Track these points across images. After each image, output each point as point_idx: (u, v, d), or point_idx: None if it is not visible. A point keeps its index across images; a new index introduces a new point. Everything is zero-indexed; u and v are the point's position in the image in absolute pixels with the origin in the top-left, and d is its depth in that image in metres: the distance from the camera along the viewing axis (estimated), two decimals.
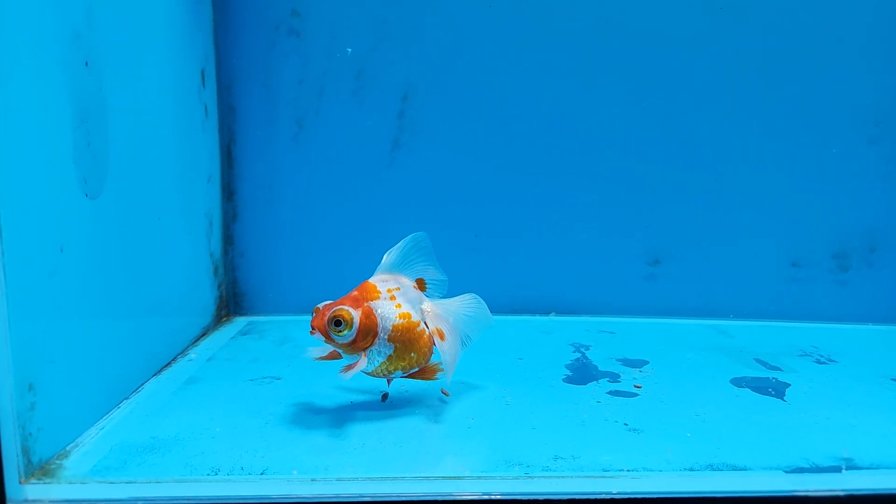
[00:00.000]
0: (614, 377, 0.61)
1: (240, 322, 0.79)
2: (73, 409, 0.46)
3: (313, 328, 0.48)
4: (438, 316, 0.52)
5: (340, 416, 0.51)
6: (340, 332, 0.48)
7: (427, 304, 0.52)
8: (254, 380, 0.59)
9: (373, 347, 0.49)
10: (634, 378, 0.60)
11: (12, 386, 0.39)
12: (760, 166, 0.80)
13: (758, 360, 0.66)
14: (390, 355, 0.50)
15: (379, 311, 0.49)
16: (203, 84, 0.74)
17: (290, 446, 0.46)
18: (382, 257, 0.53)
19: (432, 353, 0.52)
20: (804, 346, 0.71)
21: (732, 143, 0.80)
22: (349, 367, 0.49)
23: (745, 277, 0.82)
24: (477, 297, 0.54)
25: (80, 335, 0.47)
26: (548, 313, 0.84)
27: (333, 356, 0.51)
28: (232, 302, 0.82)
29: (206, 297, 0.75)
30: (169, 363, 0.63)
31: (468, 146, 0.81)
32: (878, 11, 0.77)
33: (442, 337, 0.51)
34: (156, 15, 0.61)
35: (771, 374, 0.62)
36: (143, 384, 0.57)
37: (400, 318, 0.50)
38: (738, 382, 0.60)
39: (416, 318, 0.50)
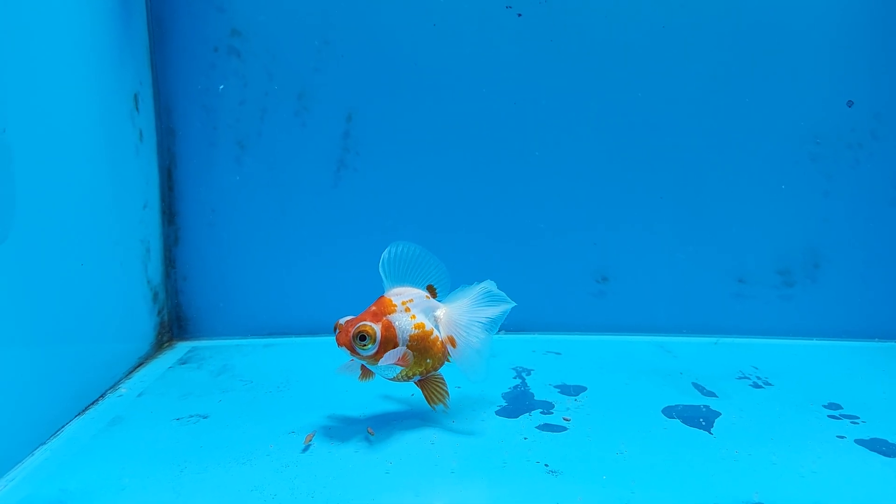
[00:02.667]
0: (548, 408, 0.60)
1: (181, 348, 0.78)
2: None
3: (340, 343, 0.52)
4: (451, 322, 0.55)
5: (258, 461, 0.50)
6: (365, 345, 0.52)
7: (441, 311, 0.56)
8: (180, 419, 0.58)
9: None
10: (567, 409, 0.60)
11: None
12: (705, 184, 0.79)
13: (695, 385, 0.66)
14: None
15: (396, 323, 0.53)
16: (137, 108, 0.72)
17: (198, 499, 0.45)
18: (380, 270, 0.55)
19: (447, 356, 0.56)
20: (744, 367, 0.71)
21: (677, 162, 0.79)
22: (364, 373, 0.55)
23: (692, 294, 0.81)
24: (490, 284, 0.56)
25: None
26: (498, 332, 0.83)
27: (365, 373, 0.55)
28: (175, 326, 0.82)
29: (143, 324, 0.74)
30: (97, 400, 0.62)
31: (414, 166, 0.80)
32: (819, 29, 0.77)
33: (454, 344, 0.55)
34: (72, 44, 0.59)
35: (705, 402, 0.62)
36: (64, 425, 0.56)
37: (415, 329, 0.54)
38: (669, 412, 0.59)
39: (429, 326, 0.55)
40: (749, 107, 0.78)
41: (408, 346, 0.53)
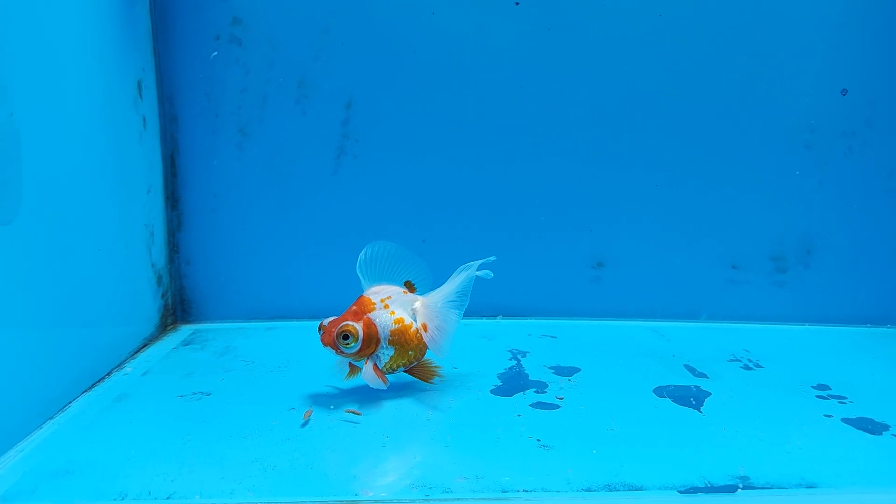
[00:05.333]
0: (541, 387, 0.62)
1: (185, 330, 0.80)
2: None
3: (325, 344, 0.56)
4: (427, 309, 0.59)
5: (259, 436, 0.51)
6: (348, 344, 0.55)
7: (418, 303, 0.59)
8: (183, 396, 0.60)
9: (377, 352, 0.57)
10: (561, 388, 0.61)
11: None
12: (700, 171, 0.81)
13: (687, 367, 0.67)
14: (392, 356, 0.58)
15: (377, 320, 0.57)
16: (140, 95, 0.74)
17: (202, 469, 0.46)
18: (357, 273, 0.58)
19: (426, 346, 0.59)
20: (736, 350, 0.72)
21: (672, 149, 0.80)
22: (351, 370, 0.59)
23: (685, 279, 0.83)
24: (467, 267, 0.58)
25: (3, 357, 0.47)
26: (495, 316, 0.85)
27: (352, 371, 0.59)
28: (179, 309, 0.83)
29: (147, 307, 0.75)
30: (103, 377, 0.64)
31: (413, 153, 0.81)
32: (815, 18, 0.78)
33: (425, 329, 0.58)
34: (77, 33, 0.61)
35: (695, 382, 0.63)
36: (71, 401, 0.58)
37: (395, 324, 0.57)
38: (660, 392, 0.61)
39: (408, 320, 0.58)
40: (745, 95, 0.79)
41: (389, 342, 0.57)
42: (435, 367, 0.61)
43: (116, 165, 0.68)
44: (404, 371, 0.60)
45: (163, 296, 0.79)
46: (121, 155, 0.69)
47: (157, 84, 0.78)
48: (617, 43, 0.79)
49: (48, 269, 0.54)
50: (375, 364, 0.57)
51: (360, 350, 0.56)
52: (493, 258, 0.59)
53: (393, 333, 0.57)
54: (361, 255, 0.58)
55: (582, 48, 0.79)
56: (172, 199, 0.81)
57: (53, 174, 0.55)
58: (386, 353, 0.57)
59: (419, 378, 0.61)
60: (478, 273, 0.58)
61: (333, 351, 0.56)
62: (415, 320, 0.59)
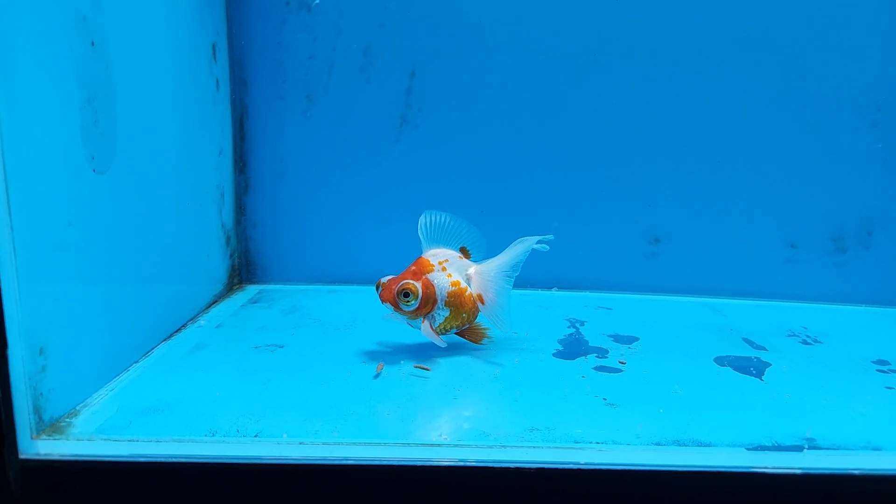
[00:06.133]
0: (602, 353, 0.63)
1: (251, 290, 0.83)
2: (84, 371, 0.49)
3: (384, 300, 0.58)
4: (480, 277, 0.60)
5: (335, 384, 0.54)
6: (408, 301, 0.57)
7: (472, 269, 0.61)
8: (258, 347, 0.62)
9: (432, 312, 0.59)
10: (622, 354, 0.63)
11: (24, 350, 0.42)
12: (762, 148, 0.81)
13: (745, 340, 0.68)
14: (447, 317, 0.60)
15: (435, 281, 0.59)
16: (214, 58, 0.76)
17: (285, 411, 0.49)
18: (419, 235, 0.61)
19: (478, 310, 0.61)
20: (794, 327, 0.73)
21: (734, 126, 0.80)
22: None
23: (743, 257, 0.83)
24: (524, 240, 0.60)
25: (91, 303, 0.50)
26: (550, 288, 0.86)
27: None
28: (244, 270, 0.86)
29: (217, 265, 0.78)
30: (179, 329, 0.66)
31: (474, 123, 0.83)
32: None
33: (482, 301, 0.60)
34: None
35: (755, 354, 0.64)
36: (153, 349, 0.61)
37: (452, 286, 0.59)
38: (721, 361, 0.61)
39: (464, 284, 0.60)
40: (810, 72, 0.78)
41: (445, 304, 0.59)
42: (484, 328, 0.63)
43: (194, 126, 0.70)
44: (455, 333, 0.62)
45: (231, 256, 0.81)
46: (197, 116, 0.71)
47: (229, 48, 0.80)
48: (681, 17, 0.79)
49: (136, 223, 0.57)
50: (430, 324, 0.59)
51: (417, 309, 0.58)
52: (551, 237, 0.60)
53: (450, 295, 0.59)
54: (422, 218, 0.60)
55: (646, 23, 0.79)
56: (241, 162, 0.84)
57: (140, 129, 0.58)
58: (441, 314, 0.59)
59: (470, 340, 0.63)
60: (535, 246, 0.60)
61: (391, 307, 0.58)
62: (469, 285, 0.60)
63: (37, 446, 0.43)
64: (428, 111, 0.83)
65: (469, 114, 0.82)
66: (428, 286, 0.58)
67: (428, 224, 0.61)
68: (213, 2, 0.75)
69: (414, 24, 0.81)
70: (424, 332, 0.59)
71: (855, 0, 0.77)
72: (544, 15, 0.80)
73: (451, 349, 0.62)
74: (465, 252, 0.62)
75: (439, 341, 0.59)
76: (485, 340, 0.63)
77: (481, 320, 0.63)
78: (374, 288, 0.59)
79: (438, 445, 0.44)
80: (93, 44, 0.49)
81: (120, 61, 0.53)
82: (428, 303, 0.58)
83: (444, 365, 0.59)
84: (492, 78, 0.81)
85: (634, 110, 0.81)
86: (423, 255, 0.61)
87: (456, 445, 0.44)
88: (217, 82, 0.77)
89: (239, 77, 0.82)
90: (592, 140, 0.82)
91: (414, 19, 0.81)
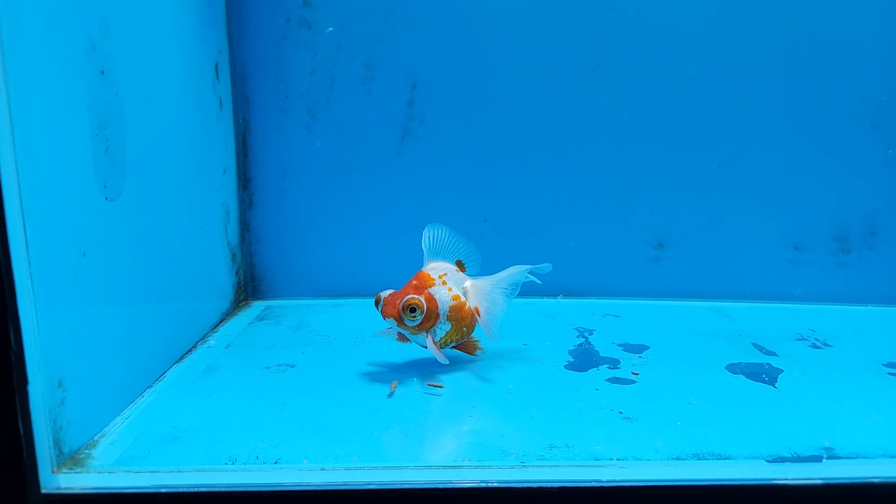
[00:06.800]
0: (614, 363, 0.63)
1: (257, 306, 0.82)
2: (100, 400, 0.49)
3: (387, 315, 0.57)
4: (476, 290, 0.61)
5: (349, 405, 0.54)
6: (414, 317, 0.57)
7: (468, 283, 0.61)
8: (269, 367, 0.62)
9: (434, 327, 0.58)
10: (633, 364, 0.63)
11: (43, 383, 0.42)
12: (764, 151, 0.81)
13: (755, 345, 0.68)
14: (448, 331, 0.59)
15: (437, 296, 0.58)
16: (217, 77, 0.76)
17: (302, 436, 0.49)
18: (422, 247, 0.61)
19: (476, 322, 0.61)
20: (802, 330, 0.73)
21: (736, 129, 0.81)
22: (400, 338, 0.60)
23: (748, 260, 0.83)
24: (515, 267, 0.61)
25: (105, 331, 0.50)
26: (556, 296, 0.86)
27: (401, 338, 0.60)
28: (250, 286, 0.86)
29: (224, 283, 0.78)
30: (189, 350, 0.66)
31: (476, 134, 0.83)
32: None
33: (478, 313, 0.60)
34: (169, 17, 0.63)
35: (766, 360, 0.64)
36: (165, 372, 0.60)
37: (453, 300, 0.59)
38: (733, 368, 0.62)
39: (463, 297, 0.60)
40: (811, 74, 0.79)
41: (447, 318, 0.58)
42: (477, 340, 0.63)
43: (199, 146, 0.70)
44: (452, 347, 0.61)
45: (237, 273, 0.81)
46: (202, 136, 0.71)
47: (231, 66, 0.80)
48: (681, 22, 0.79)
49: (146, 247, 0.57)
50: (432, 339, 0.59)
51: (421, 324, 0.57)
52: (548, 266, 0.61)
53: (451, 310, 0.59)
54: (426, 232, 0.61)
55: (646, 27, 0.80)
56: (244, 179, 0.84)
57: (149, 154, 0.58)
58: (443, 329, 0.59)
59: (465, 352, 0.63)
60: (529, 275, 0.61)
61: (394, 322, 0.57)
62: (466, 298, 0.61)
63: (58, 480, 0.43)
64: (430, 122, 0.83)
65: (471, 124, 0.83)
66: (431, 300, 0.58)
67: (431, 238, 0.61)
68: (215, 21, 0.75)
69: (414, 37, 0.81)
70: (429, 347, 0.58)
71: (855, 2, 0.77)
72: (544, 24, 0.80)
73: (461, 364, 0.62)
74: (460, 265, 0.62)
75: (442, 357, 0.58)
76: (478, 352, 0.63)
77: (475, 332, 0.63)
78: (374, 303, 0.59)
79: (459, 467, 0.44)
80: (102, 72, 0.49)
81: (128, 88, 0.53)
82: (431, 317, 0.58)
83: (456, 381, 0.59)
84: (492, 88, 0.82)
85: (635, 117, 0.81)
86: (424, 269, 0.61)
87: (477, 467, 0.44)
88: (220, 101, 0.77)
89: (241, 94, 0.82)
90: (593, 147, 0.82)
91: (414, 32, 0.81)
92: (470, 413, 0.52)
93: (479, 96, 0.82)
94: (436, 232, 0.61)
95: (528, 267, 0.61)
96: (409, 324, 0.57)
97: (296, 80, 0.82)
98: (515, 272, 0.61)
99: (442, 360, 0.58)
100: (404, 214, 0.85)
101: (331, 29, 0.79)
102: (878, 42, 0.78)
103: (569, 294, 0.86)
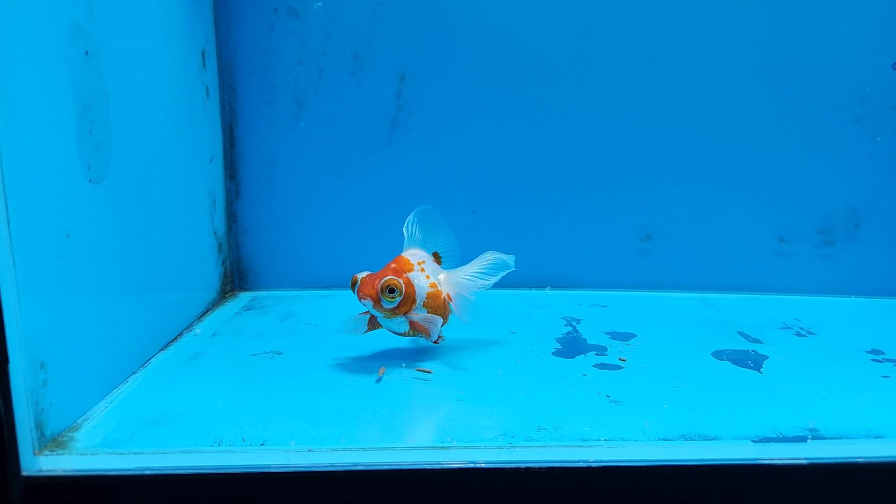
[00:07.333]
0: (601, 350, 0.63)
1: (244, 297, 0.82)
2: (84, 384, 0.49)
3: (364, 295, 0.55)
4: (450, 282, 0.60)
5: (338, 390, 0.53)
6: (393, 298, 0.55)
7: (442, 275, 0.61)
8: (256, 354, 0.62)
9: (409, 312, 0.57)
10: (621, 351, 0.63)
11: (25, 365, 0.41)
12: (749, 144, 0.82)
13: (741, 333, 0.68)
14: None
15: (415, 281, 0.58)
16: (204, 65, 0.75)
17: (289, 419, 0.48)
18: (403, 232, 0.60)
19: (450, 312, 0.60)
20: (786, 319, 0.74)
21: (722, 123, 0.81)
22: (371, 324, 0.60)
23: (733, 252, 0.84)
24: (493, 254, 0.61)
25: (89, 314, 0.49)
26: (543, 287, 0.86)
27: (372, 325, 0.59)
28: (236, 277, 0.85)
29: (210, 273, 0.77)
30: (175, 338, 0.66)
31: (465, 125, 0.83)
32: None
33: (450, 299, 0.60)
34: (155, 1, 0.63)
35: (751, 347, 0.64)
36: (150, 359, 0.60)
37: (430, 287, 0.58)
38: (718, 355, 0.62)
39: (439, 287, 0.59)
40: (795, 68, 0.80)
41: (424, 304, 0.58)
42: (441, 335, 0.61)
43: (185, 133, 0.70)
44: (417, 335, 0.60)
45: (223, 263, 0.81)
46: (189, 123, 0.71)
47: (218, 55, 0.80)
48: (669, 16, 0.80)
49: (131, 232, 0.56)
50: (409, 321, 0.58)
51: (398, 306, 0.56)
52: (513, 258, 0.61)
53: (428, 296, 0.58)
54: (411, 216, 0.60)
55: (631, 24, 0.80)
56: (231, 168, 0.83)
57: (134, 138, 0.57)
58: (418, 315, 0.58)
59: (426, 337, 0.59)
60: (503, 258, 0.61)
61: (369, 304, 0.56)
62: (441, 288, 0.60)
63: (39, 462, 0.42)
64: (419, 114, 0.83)
65: (460, 116, 0.83)
66: (409, 285, 0.57)
67: (416, 222, 0.60)
68: (202, 9, 0.75)
69: (404, 28, 0.81)
70: (418, 318, 0.57)
71: None
72: (534, 17, 0.80)
73: (449, 351, 0.62)
74: (437, 258, 0.62)
75: (428, 323, 0.57)
76: (441, 342, 0.62)
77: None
78: (350, 286, 0.57)
79: (447, 448, 0.44)
80: (87, 53, 0.49)
81: (113, 70, 0.53)
82: (408, 301, 0.57)
83: (445, 367, 0.59)
84: (481, 80, 0.82)
85: (622, 109, 0.82)
86: (403, 254, 0.60)
87: (465, 447, 0.44)
88: (207, 90, 0.76)
89: (228, 84, 0.81)
90: (581, 139, 0.83)
91: (403, 23, 0.81)
92: (458, 397, 0.52)
93: (468, 88, 0.82)
94: (422, 218, 0.60)
95: (499, 254, 0.61)
96: (387, 305, 0.56)
97: (283, 70, 0.82)
98: (488, 262, 0.61)
99: (429, 326, 0.57)
100: (392, 205, 0.84)
101: (319, 4, 0.79)
102: (862, 36, 0.79)
103: (557, 286, 0.86)
